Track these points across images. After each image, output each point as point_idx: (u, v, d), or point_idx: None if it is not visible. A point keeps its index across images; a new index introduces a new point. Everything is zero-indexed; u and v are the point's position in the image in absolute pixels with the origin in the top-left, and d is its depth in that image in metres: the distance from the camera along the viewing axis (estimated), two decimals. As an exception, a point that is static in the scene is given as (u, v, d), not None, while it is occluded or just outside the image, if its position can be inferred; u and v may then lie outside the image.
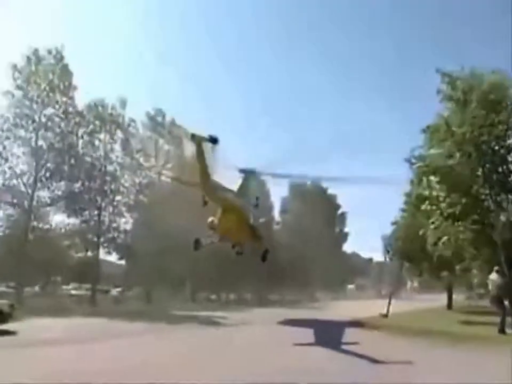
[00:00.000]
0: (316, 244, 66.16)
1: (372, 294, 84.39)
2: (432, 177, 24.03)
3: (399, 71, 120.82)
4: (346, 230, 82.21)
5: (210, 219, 16.49)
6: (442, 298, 45.02)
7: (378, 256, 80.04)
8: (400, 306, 34.84)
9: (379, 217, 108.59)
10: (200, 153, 13.78)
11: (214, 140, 12.84)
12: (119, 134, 44.55)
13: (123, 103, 45.05)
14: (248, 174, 18.45)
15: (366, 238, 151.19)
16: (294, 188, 72.72)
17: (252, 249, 20.41)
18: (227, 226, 16.48)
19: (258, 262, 19.73)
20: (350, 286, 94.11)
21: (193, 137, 13.08)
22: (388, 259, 37.32)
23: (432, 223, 23.67)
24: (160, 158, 47.85)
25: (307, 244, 64.24)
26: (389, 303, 30.45)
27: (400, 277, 45.61)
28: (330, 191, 78.42)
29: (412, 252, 30.29)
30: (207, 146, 13.78)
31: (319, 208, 69.19)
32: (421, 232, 25.24)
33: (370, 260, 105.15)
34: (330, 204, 78.83)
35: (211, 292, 58.36)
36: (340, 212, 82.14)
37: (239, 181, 18.14)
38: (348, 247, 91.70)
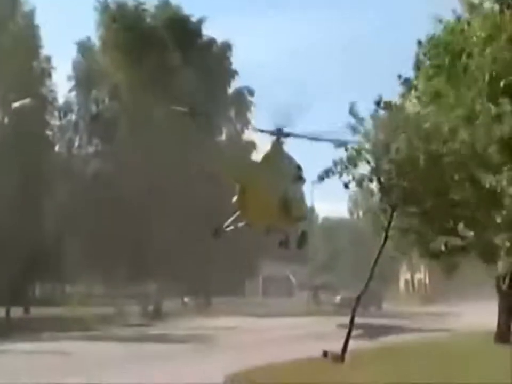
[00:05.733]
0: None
1: (302, 301, 59.91)
2: None
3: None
4: (248, 137, 45.98)
5: (235, 198, 15.26)
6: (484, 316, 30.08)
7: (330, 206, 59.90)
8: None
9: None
10: None
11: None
12: None
13: None
14: (282, 137, 16.18)
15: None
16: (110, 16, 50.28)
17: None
18: (248, 207, 15.21)
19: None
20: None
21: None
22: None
23: None
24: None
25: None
26: (350, 329, 20.31)
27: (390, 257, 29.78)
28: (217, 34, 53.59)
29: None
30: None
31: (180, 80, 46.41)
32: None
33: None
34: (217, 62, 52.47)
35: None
36: (233, 89, 54.40)
37: (268, 147, 16.32)
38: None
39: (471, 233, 22.31)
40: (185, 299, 58.72)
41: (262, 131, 16.45)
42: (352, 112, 21.56)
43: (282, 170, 16.27)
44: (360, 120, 21.50)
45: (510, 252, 21.29)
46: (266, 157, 16.01)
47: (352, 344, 20.39)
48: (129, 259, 47.42)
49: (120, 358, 22.55)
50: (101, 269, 50.09)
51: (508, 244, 20.02)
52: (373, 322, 35.52)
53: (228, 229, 16.18)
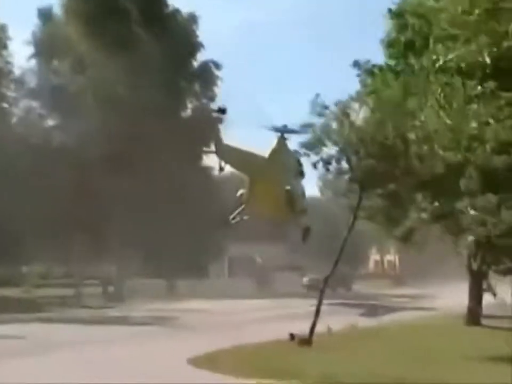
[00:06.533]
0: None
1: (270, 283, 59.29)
2: None
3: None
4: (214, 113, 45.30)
5: (240, 192, 14.83)
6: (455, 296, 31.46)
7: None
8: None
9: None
10: None
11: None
12: None
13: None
14: (286, 134, 15.78)
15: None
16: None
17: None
18: (257, 201, 14.99)
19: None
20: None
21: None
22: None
23: None
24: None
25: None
26: (317, 311, 21.20)
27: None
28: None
29: None
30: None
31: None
32: None
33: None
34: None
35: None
36: (199, 62, 54.68)
37: (273, 144, 16.10)
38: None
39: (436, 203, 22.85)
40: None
41: (268, 128, 16.82)
42: (316, 103, 21.77)
43: (287, 165, 17.00)
44: (325, 106, 21.90)
45: (474, 220, 21.64)
46: (274, 152, 16.61)
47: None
48: (90, 239, 46.40)
49: (76, 340, 21.87)
50: (61, 249, 48.93)
51: (471, 211, 20.43)
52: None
53: (234, 221, 16.78)
